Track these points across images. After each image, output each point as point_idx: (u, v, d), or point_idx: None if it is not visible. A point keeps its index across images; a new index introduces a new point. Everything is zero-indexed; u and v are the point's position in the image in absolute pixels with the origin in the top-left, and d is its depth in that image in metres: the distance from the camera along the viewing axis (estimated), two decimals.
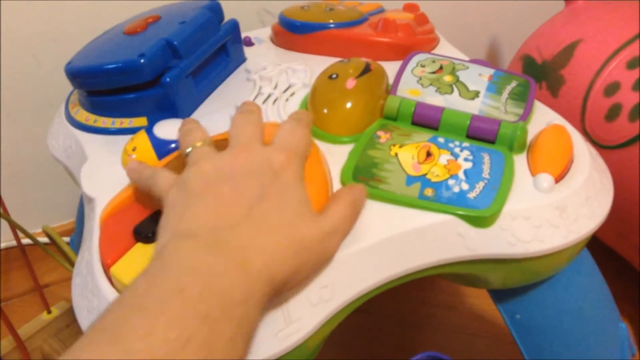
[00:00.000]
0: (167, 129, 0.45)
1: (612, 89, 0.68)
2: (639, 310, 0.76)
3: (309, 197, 0.34)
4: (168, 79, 0.46)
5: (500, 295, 0.45)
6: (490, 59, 1.06)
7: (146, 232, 0.37)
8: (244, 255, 0.28)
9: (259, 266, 0.29)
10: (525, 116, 0.44)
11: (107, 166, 0.45)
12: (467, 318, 0.75)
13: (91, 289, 0.37)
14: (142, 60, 0.45)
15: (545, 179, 0.39)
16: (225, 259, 0.28)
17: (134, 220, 0.38)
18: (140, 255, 0.36)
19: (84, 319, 0.37)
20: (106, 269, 0.36)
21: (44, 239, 0.73)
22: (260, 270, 0.29)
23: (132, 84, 0.47)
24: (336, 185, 0.41)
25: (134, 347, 0.23)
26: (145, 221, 0.38)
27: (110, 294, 0.36)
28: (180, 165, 0.38)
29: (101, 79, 0.47)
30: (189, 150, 0.37)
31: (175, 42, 0.47)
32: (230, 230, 0.30)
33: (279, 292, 0.31)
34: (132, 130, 0.47)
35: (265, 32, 0.64)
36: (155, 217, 0.38)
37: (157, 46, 0.46)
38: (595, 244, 0.72)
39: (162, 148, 0.43)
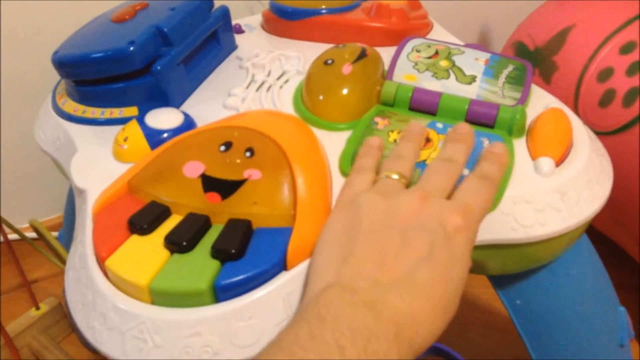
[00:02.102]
0: (159, 118, 0.44)
1: (606, 74, 0.67)
2: (634, 297, 0.76)
3: (469, 264, 0.32)
4: (159, 67, 0.45)
5: (500, 281, 0.45)
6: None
7: (141, 223, 0.36)
8: (399, 321, 0.28)
9: (410, 336, 0.28)
10: (523, 100, 0.44)
11: (97, 157, 0.44)
12: (462, 307, 0.74)
13: (85, 282, 0.36)
14: (131, 48, 0.44)
15: (546, 162, 0.38)
16: (383, 323, 0.28)
17: (129, 212, 0.37)
18: (136, 247, 0.35)
19: (79, 314, 0.36)
20: (101, 262, 0.35)
21: (31, 234, 0.71)
22: (410, 341, 0.28)
23: (122, 72, 0.45)
24: (334, 173, 0.40)
25: None
26: (140, 212, 0.37)
27: (106, 287, 0.35)
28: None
29: (89, 67, 0.46)
30: (383, 175, 0.36)
31: (165, 29, 0.46)
32: (391, 291, 0.29)
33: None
34: (123, 121, 0.46)
35: (256, 20, 0.63)
36: (150, 207, 0.37)
37: (147, 33, 0.45)
38: (588, 231, 0.72)
39: (154, 137, 0.42)
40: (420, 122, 0.40)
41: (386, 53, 0.49)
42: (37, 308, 0.78)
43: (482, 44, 1.05)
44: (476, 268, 0.44)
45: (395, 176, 0.35)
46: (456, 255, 0.31)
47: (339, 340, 0.26)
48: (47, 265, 0.87)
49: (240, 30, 0.60)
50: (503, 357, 0.68)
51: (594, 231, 0.75)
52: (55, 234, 0.79)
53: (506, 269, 0.43)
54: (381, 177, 0.36)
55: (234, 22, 0.61)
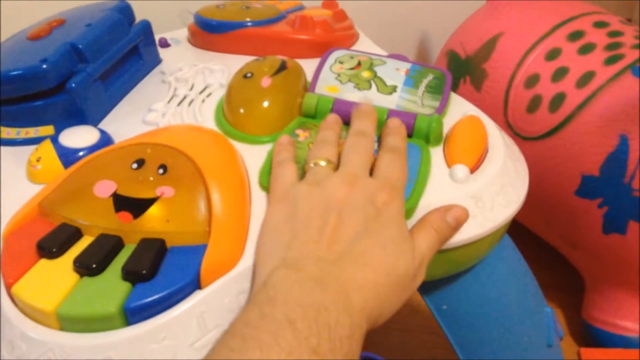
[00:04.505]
0: (74, 137, 0.43)
1: (532, 80, 0.69)
2: (575, 298, 0.78)
3: (408, 232, 0.35)
4: (73, 85, 0.44)
5: (425, 287, 0.45)
6: (419, 56, 1.07)
7: (50, 246, 0.35)
8: (346, 291, 0.30)
9: (359, 303, 0.30)
10: (442, 109, 0.44)
11: (11, 179, 0.43)
12: (402, 313, 0.75)
13: None
14: (44, 66, 0.43)
15: (461, 169, 0.39)
16: (330, 294, 0.29)
17: (38, 235, 0.36)
18: (44, 271, 0.34)
19: None
20: (8, 288, 0.34)
21: None
22: (360, 307, 0.30)
23: (36, 91, 0.44)
24: (255, 187, 0.40)
25: None
26: (49, 235, 0.36)
27: (14, 314, 0.34)
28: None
29: (3, 87, 0.45)
30: (312, 164, 0.37)
31: (80, 46, 0.45)
32: (334, 265, 0.31)
33: (372, 327, 0.32)
34: (39, 140, 0.44)
35: (183, 33, 0.62)
36: (60, 230, 0.36)
37: (60, 50, 0.44)
38: (528, 234, 0.74)
39: (68, 157, 0.41)
40: (334, 115, 0.43)
41: (311, 65, 0.49)
42: None
43: (420, 54, 1.07)
44: None
45: (322, 163, 0.37)
46: (388, 223, 0.34)
47: (289, 316, 0.27)
48: None
49: (166, 44, 0.59)
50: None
51: (530, 233, 0.76)
52: None
53: (431, 275, 0.44)
54: (310, 165, 0.37)
55: (160, 36, 0.60)
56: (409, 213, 0.37)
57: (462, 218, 0.37)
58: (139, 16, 0.54)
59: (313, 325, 0.27)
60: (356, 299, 0.30)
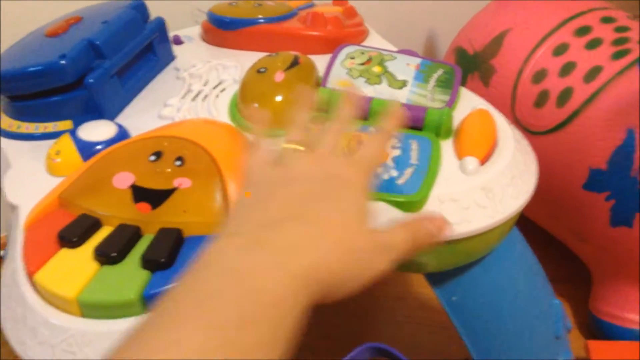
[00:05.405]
0: (92, 130, 0.44)
1: (540, 76, 0.70)
2: (581, 290, 0.78)
3: (369, 211, 0.32)
4: (91, 80, 0.45)
5: (436, 278, 0.46)
6: (428, 53, 1.07)
7: (71, 236, 0.36)
8: (285, 254, 0.27)
9: (298, 267, 0.27)
10: (451, 102, 0.45)
11: (31, 172, 0.44)
12: (414, 308, 0.76)
13: (16, 298, 0.36)
14: (63, 62, 0.44)
15: (471, 161, 0.40)
16: (265, 258, 0.27)
17: (59, 226, 0.37)
18: (65, 260, 0.35)
19: (10, 331, 0.36)
20: (30, 276, 0.35)
21: None
22: (298, 272, 0.27)
23: (55, 86, 0.46)
24: None
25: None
26: (70, 225, 0.37)
27: (36, 302, 0.35)
28: None
29: (22, 82, 0.46)
30: (283, 147, 0.35)
31: (97, 42, 0.46)
32: (275, 228, 0.28)
33: (319, 300, 0.29)
34: (57, 134, 0.45)
35: (196, 30, 0.63)
36: (80, 220, 0.37)
37: (78, 47, 0.45)
38: (535, 229, 0.74)
39: (87, 150, 0.42)
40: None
41: (322, 60, 0.50)
42: None
43: (428, 50, 1.08)
44: (413, 266, 0.45)
45: (291, 146, 0.35)
46: (350, 196, 0.31)
47: (218, 285, 0.25)
48: None
49: (179, 41, 0.60)
50: (452, 357, 0.70)
51: (538, 227, 0.77)
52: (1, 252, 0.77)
53: (442, 266, 0.45)
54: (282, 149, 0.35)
55: (174, 33, 0.61)
56: (420, 204, 0.38)
57: (442, 227, 0.34)
58: (152, 14, 0.55)
59: (241, 292, 0.25)
60: (295, 262, 0.27)
